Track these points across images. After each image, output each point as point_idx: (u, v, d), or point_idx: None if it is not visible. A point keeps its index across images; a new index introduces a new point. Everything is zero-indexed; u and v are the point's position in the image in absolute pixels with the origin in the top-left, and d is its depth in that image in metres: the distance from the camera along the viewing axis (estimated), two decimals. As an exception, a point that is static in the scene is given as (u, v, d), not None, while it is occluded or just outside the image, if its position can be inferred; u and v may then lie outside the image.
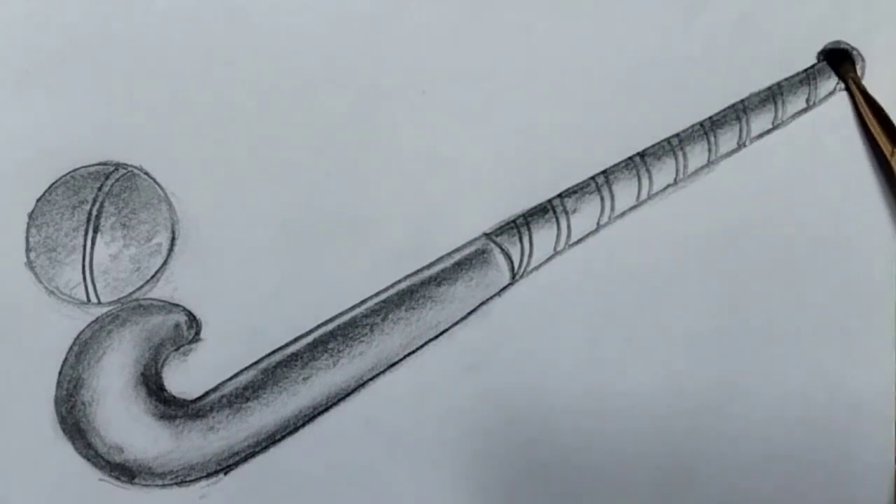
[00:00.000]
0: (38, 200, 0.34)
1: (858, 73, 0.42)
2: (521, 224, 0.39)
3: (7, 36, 0.33)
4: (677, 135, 0.40)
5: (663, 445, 0.40)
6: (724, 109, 0.41)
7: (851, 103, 0.34)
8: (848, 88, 0.34)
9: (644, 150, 0.40)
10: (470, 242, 0.39)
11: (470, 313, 0.39)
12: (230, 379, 0.36)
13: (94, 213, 0.34)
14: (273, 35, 0.36)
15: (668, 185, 0.41)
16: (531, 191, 0.39)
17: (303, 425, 0.37)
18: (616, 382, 0.40)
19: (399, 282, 0.38)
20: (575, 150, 0.40)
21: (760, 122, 0.41)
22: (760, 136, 0.41)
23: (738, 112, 0.41)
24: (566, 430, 0.38)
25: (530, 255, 0.39)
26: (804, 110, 0.42)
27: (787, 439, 0.41)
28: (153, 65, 0.35)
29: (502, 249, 0.39)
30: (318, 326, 0.37)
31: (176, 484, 0.36)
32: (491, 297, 0.39)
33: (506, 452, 0.38)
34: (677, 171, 0.40)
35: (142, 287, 0.35)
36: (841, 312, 0.41)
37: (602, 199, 0.40)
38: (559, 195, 0.39)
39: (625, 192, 0.40)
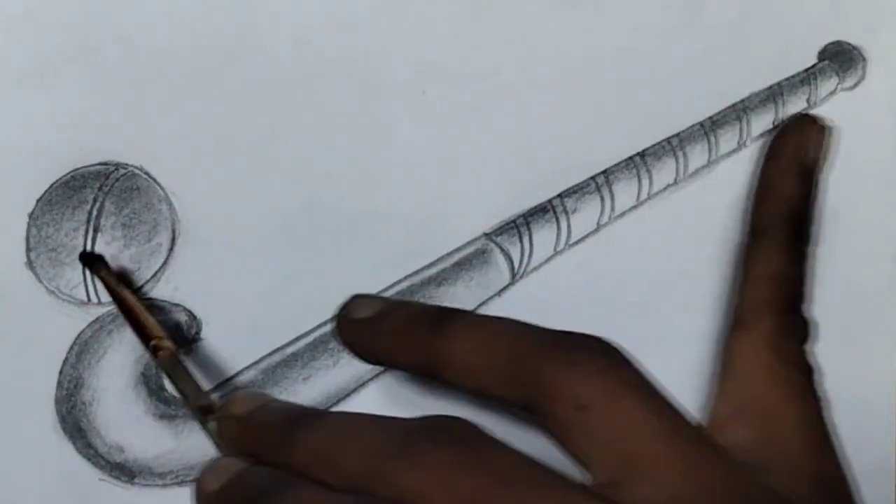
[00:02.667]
0: (38, 200, 0.34)
1: (859, 72, 0.42)
2: (521, 224, 0.39)
3: (7, 36, 0.33)
4: (677, 135, 0.40)
5: (663, 445, 0.40)
6: (724, 109, 0.41)
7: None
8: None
9: (644, 150, 0.40)
10: (470, 242, 0.39)
11: (470, 313, 0.39)
12: (230, 379, 0.36)
13: (95, 212, 0.35)
14: (273, 35, 0.36)
15: (668, 185, 0.41)
16: (531, 191, 0.39)
17: (303, 425, 0.37)
18: (616, 382, 0.40)
19: (399, 282, 0.38)
20: (575, 150, 0.40)
21: (761, 122, 0.41)
22: (761, 136, 0.41)
23: (739, 112, 0.41)
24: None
25: (530, 255, 0.39)
26: (804, 110, 0.42)
27: (788, 439, 0.41)
28: (153, 65, 0.35)
29: (502, 249, 0.39)
30: (318, 326, 0.37)
31: (176, 484, 0.36)
32: (491, 297, 0.39)
33: (506, 452, 0.38)
34: (677, 171, 0.40)
35: (142, 287, 0.35)
36: (841, 312, 0.41)
37: (602, 199, 0.40)
38: (559, 195, 0.39)
39: (625, 192, 0.40)
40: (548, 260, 0.40)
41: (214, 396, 0.33)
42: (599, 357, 0.25)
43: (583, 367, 0.25)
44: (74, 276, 0.35)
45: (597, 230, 0.40)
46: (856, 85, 0.42)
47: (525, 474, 0.22)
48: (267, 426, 0.27)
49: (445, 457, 0.22)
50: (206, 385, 0.36)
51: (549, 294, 0.39)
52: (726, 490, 0.23)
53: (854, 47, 0.42)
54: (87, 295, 0.35)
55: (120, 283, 0.33)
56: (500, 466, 0.22)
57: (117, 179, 0.35)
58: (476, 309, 0.39)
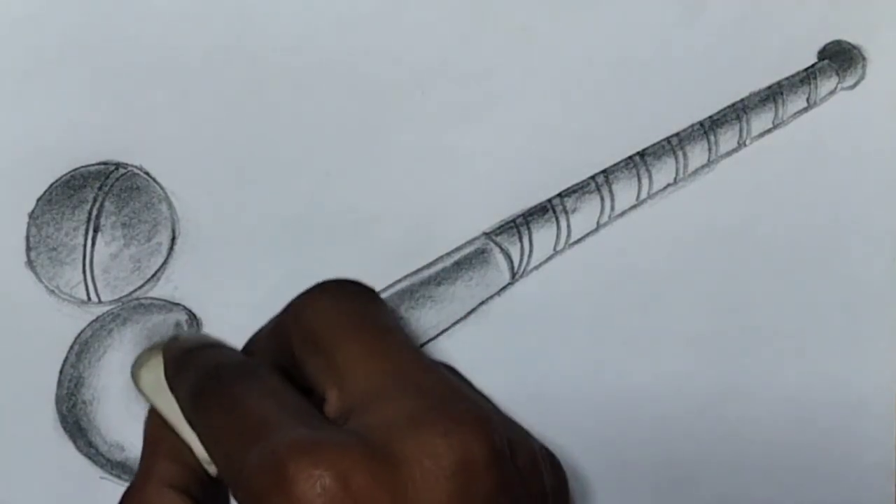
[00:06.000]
0: (38, 200, 0.34)
1: (859, 72, 0.42)
2: (520, 223, 0.39)
3: (7, 36, 0.33)
4: (677, 134, 0.40)
5: (663, 445, 0.40)
6: (724, 109, 0.41)
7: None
8: None
9: (644, 150, 0.40)
10: (470, 242, 0.39)
11: (470, 313, 0.39)
12: (230, 378, 0.36)
13: (95, 212, 0.35)
14: (273, 35, 0.36)
15: (668, 185, 0.41)
16: (531, 190, 0.39)
17: (303, 424, 0.37)
18: (616, 382, 0.40)
19: (399, 281, 0.38)
20: (575, 149, 0.40)
21: (761, 121, 0.41)
22: (761, 135, 0.41)
23: (739, 112, 0.41)
24: (566, 430, 0.38)
25: (530, 255, 0.39)
26: (804, 110, 0.42)
27: (788, 439, 0.41)
28: (153, 65, 0.35)
29: (502, 249, 0.39)
30: (318, 326, 0.37)
31: (176, 483, 0.36)
32: (491, 297, 0.39)
33: (505, 452, 0.38)
34: (677, 170, 0.40)
35: (142, 286, 0.35)
36: (841, 312, 0.41)
37: (602, 198, 0.40)
38: (559, 194, 0.39)
39: (625, 191, 0.40)
40: (548, 259, 0.40)
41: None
42: (330, 297, 0.27)
43: (313, 310, 0.26)
44: (74, 275, 0.35)
45: (597, 230, 0.40)
46: (856, 84, 0.42)
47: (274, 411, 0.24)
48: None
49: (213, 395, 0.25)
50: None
51: (549, 294, 0.39)
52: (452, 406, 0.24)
53: (854, 46, 0.42)
54: (87, 294, 0.35)
55: None
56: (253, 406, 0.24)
57: (117, 179, 0.35)
58: (476, 308, 0.39)
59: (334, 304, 0.26)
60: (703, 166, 0.41)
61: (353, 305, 0.27)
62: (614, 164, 0.40)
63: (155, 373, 0.29)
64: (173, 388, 0.29)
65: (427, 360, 0.26)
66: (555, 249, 0.40)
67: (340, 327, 0.26)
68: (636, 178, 0.40)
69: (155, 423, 0.29)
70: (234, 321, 0.36)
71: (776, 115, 0.41)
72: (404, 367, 0.25)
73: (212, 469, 0.27)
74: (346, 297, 0.27)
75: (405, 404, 0.24)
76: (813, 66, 0.42)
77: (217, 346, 0.29)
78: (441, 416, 0.23)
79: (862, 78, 0.42)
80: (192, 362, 0.28)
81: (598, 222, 0.40)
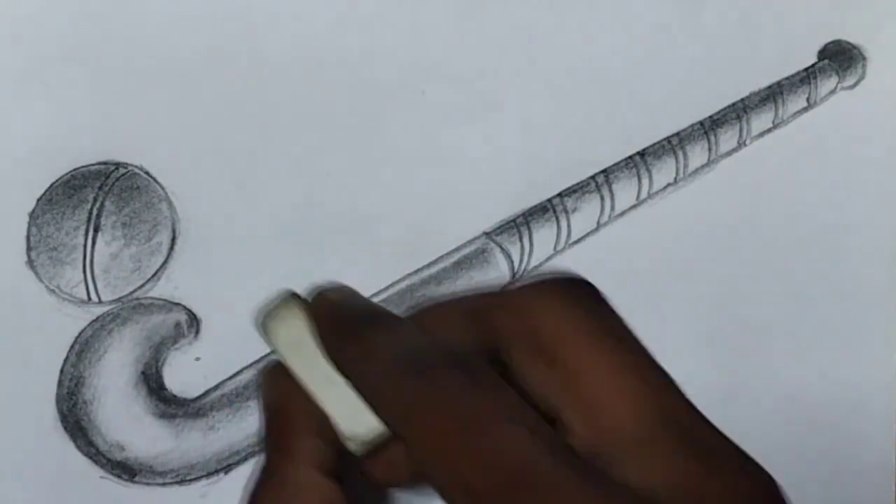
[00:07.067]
0: (38, 200, 0.34)
1: (859, 71, 0.42)
2: (521, 223, 0.39)
3: (7, 36, 0.33)
4: (677, 134, 0.40)
5: (663, 445, 0.40)
6: (725, 109, 0.41)
7: None
8: None
9: (644, 150, 0.40)
10: (470, 241, 0.39)
11: (470, 313, 0.39)
12: (230, 378, 0.36)
13: (95, 212, 0.35)
14: (273, 35, 0.36)
15: (668, 185, 0.41)
16: (531, 190, 0.39)
17: (303, 424, 0.37)
18: (616, 382, 0.40)
19: (399, 281, 0.38)
20: (575, 149, 0.40)
21: (761, 121, 0.41)
22: (761, 135, 0.41)
23: (739, 111, 0.41)
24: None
25: (530, 255, 0.39)
26: (804, 109, 0.42)
27: (788, 439, 0.41)
28: (153, 65, 0.35)
29: (502, 249, 0.39)
30: (318, 326, 0.37)
31: (177, 482, 0.36)
32: (491, 297, 0.39)
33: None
34: (677, 170, 0.40)
35: (142, 286, 0.36)
36: (841, 312, 0.41)
37: (602, 198, 0.40)
38: (559, 194, 0.39)
39: (625, 191, 0.40)
40: (548, 259, 0.40)
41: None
42: (567, 299, 0.21)
43: (547, 311, 0.21)
44: (75, 274, 0.35)
45: (597, 230, 0.40)
46: (856, 84, 0.42)
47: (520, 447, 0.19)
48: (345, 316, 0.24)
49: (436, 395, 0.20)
50: (205, 385, 0.36)
51: (549, 294, 0.39)
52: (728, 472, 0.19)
53: (854, 46, 0.42)
54: (88, 294, 0.35)
55: None
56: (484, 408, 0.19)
57: (117, 179, 0.35)
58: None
59: (573, 310, 0.21)
60: (703, 166, 0.41)
61: (598, 315, 0.21)
62: (614, 164, 0.40)
63: (295, 329, 0.24)
64: (341, 363, 0.23)
65: (683, 392, 0.21)
66: (555, 249, 0.40)
67: (586, 340, 0.21)
68: (636, 178, 0.40)
69: (285, 389, 0.24)
70: (234, 321, 0.36)
71: (776, 115, 0.41)
72: (667, 403, 0.21)
73: (351, 445, 0.23)
74: (586, 302, 0.22)
75: (685, 463, 0.19)
76: (813, 66, 0.42)
77: (390, 316, 0.23)
78: (735, 488, 0.19)
79: (862, 78, 0.42)
80: (372, 338, 0.22)
81: (598, 222, 0.40)
